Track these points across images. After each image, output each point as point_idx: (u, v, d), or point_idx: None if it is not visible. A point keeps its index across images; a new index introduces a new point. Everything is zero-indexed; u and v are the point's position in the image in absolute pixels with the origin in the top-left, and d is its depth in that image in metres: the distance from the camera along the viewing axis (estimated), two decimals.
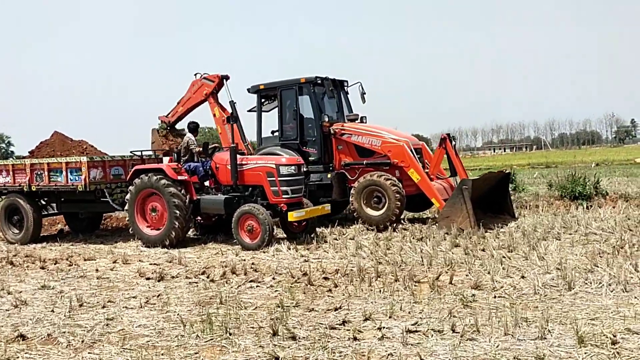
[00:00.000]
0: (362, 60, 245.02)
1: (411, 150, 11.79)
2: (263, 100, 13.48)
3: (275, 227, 11.52)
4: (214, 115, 13.63)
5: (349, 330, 5.26)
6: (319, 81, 12.46)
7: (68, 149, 12.66)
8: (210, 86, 13.61)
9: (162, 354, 4.95)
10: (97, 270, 8.85)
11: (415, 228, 11.03)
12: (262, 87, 13.17)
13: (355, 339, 5.01)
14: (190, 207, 10.59)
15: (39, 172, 11.86)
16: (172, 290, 7.30)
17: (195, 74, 14.12)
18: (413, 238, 10.17)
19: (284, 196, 10.14)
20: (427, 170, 11.96)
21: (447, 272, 7.29)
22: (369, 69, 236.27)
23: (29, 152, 13.45)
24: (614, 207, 12.57)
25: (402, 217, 12.38)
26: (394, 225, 11.36)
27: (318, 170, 12.54)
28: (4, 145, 76.69)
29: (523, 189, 14.88)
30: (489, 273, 7.14)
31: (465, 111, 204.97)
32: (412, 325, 5.29)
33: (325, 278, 7.44)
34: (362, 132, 12.31)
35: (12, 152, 78.05)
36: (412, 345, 4.79)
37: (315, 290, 6.91)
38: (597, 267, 7.12)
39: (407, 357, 4.54)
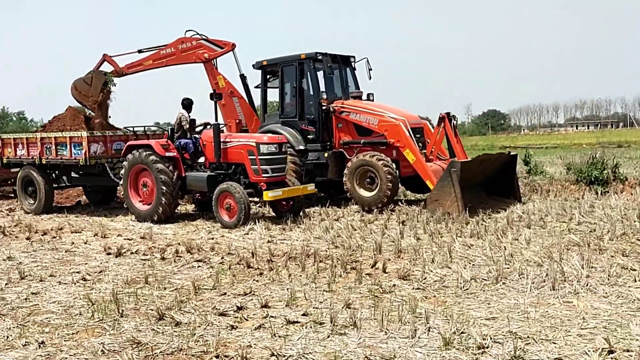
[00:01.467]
0: (428, 30, 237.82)
1: (408, 130, 11.34)
2: (269, 76, 13.31)
3: (266, 205, 11.53)
4: (217, 84, 13.00)
5: (236, 317, 5.16)
6: (319, 57, 12.16)
7: (78, 123, 13.06)
8: (215, 52, 12.98)
9: (46, 332, 5.03)
10: (72, 243, 9.13)
11: (403, 210, 10.68)
12: (265, 63, 13.00)
13: (232, 327, 4.91)
14: (178, 183, 10.70)
15: (48, 146, 12.35)
16: (118, 266, 7.43)
17: (187, 32, 13.26)
18: (396, 221, 9.87)
19: (264, 175, 10.05)
20: (425, 151, 11.50)
21: (389, 260, 7.01)
22: (435, 38, 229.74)
23: (41, 126, 13.96)
24: (631, 194, 11.66)
25: (402, 198, 12.01)
26: (387, 207, 11.01)
27: (316, 148, 12.30)
28: None
29: (542, 171, 14.05)
30: (432, 262, 6.81)
31: (546, 85, 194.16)
32: (301, 315, 5.12)
33: (269, 260, 7.33)
34: (360, 110, 11.94)
35: None
36: (279, 337, 4.62)
37: (248, 273, 6.82)
38: (551, 260, 6.63)
39: (262, 350, 4.39)
